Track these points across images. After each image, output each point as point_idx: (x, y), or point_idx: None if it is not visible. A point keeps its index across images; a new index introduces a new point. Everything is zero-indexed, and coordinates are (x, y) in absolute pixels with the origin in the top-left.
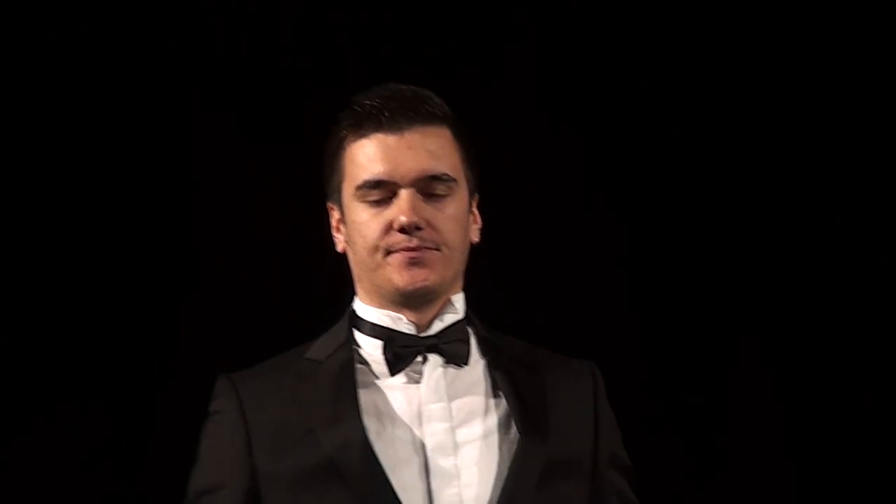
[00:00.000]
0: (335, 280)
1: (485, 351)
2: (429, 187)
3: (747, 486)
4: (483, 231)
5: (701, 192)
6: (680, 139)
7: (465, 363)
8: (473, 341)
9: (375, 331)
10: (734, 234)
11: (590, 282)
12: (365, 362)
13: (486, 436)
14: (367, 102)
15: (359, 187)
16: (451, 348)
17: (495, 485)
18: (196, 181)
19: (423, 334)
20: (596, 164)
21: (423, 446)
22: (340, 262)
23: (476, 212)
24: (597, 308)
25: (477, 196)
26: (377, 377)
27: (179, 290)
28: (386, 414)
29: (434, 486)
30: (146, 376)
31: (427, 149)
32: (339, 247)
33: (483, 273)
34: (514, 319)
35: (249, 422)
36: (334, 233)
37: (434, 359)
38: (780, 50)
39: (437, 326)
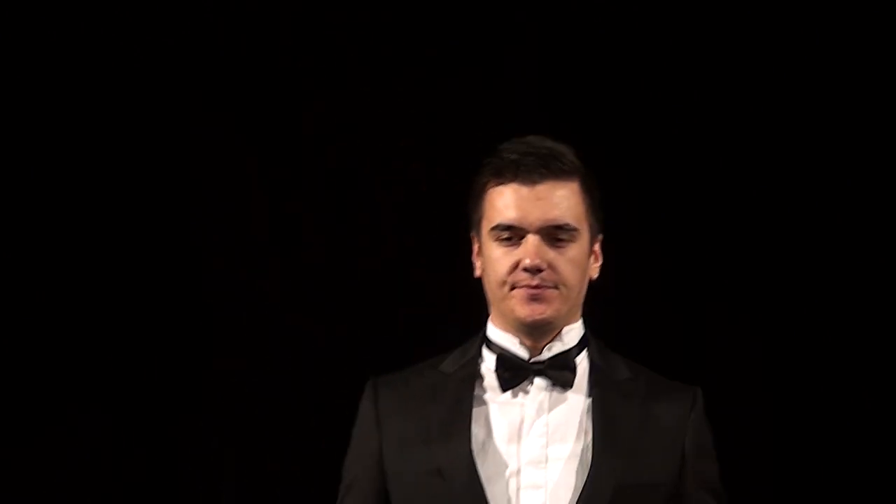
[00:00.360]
0: (334, 277)
1: (591, 375)
2: (553, 234)
3: (744, 485)
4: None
5: (701, 192)
6: (679, 139)
7: (569, 387)
8: (585, 365)
9: (496, 350)
10: (734, 232)
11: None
12: (483, 377)
13: (571, 457)
14: (507, 155)
15: (493, 228)
16: (556, 374)
17: (582, 489)
18: (196, 181)
19: (534, 359)
20: (595, 164)
21: (518, 459)
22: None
23: (598, 251)
24: (597, 308)
25: (601, 236)
26: (492, 392)
27: (178, 288)
28: (492, 427)
29: (522, 495)
30: (150, 376)
31: (554, 201)
32: (477, 273)
33: None
34: None
35: (383, 427)
36: (474, 259)
37: (540, 381)
38: (780, 51)
39: (546, 355)
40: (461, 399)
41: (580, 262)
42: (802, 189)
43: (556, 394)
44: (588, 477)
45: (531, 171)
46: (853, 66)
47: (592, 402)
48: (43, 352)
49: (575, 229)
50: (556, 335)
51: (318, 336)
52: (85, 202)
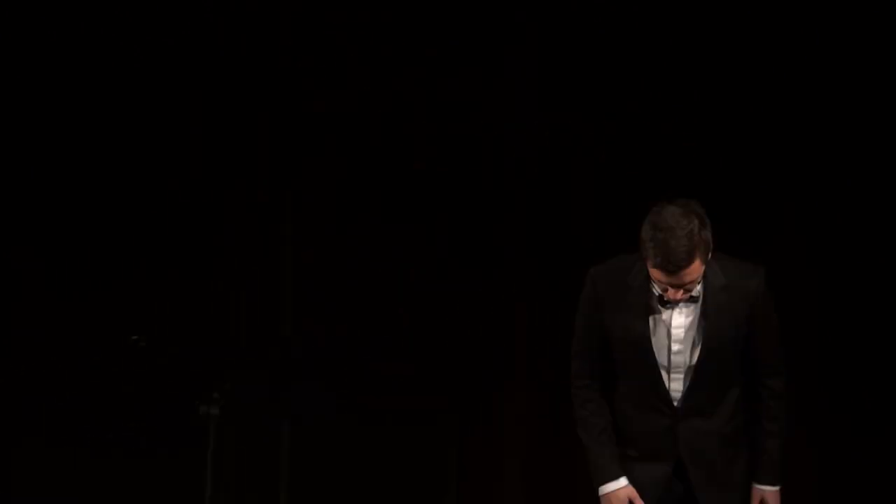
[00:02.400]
0: (333, 278)
1: (704, 287)
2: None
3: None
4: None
5: (701, 189)
6: (678, 138)
7: (695, 303)
8: (701, 285)
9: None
10: (734, 231)
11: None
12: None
13: (697, 329)
14: (659, 254)
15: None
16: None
17: (699, 351)
18: (196, 181)
19: None
20: (595, 161)
21: (669, 335)
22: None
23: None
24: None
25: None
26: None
27: (181, 284)
28: (659, 316)
29: (673, 350)
30: None
31: (688, 273)
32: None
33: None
34: None
35: (600, 295)
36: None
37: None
38: (781, 50)
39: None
40: (641, 294)
41: (699, 277)
42: (814, 191)
43: (688, 303)
44: (704, 338)
45: (673, 268)
46: (849, 64)
47: (703, 302)
48: None
49: (699, 279)
50: None
51: None
52: (84, 202)
